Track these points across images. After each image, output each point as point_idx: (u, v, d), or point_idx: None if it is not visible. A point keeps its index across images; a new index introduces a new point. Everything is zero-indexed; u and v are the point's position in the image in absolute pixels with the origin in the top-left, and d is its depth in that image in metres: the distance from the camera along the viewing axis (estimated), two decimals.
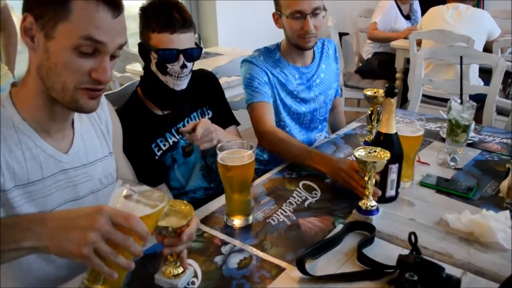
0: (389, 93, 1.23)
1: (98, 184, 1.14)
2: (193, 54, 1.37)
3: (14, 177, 0.96)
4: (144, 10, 1.36)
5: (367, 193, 1.19)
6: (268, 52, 1.75)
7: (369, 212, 1.18)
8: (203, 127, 1.28)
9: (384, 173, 1.23)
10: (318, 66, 1.82)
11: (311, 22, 1.60)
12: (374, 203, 1.19)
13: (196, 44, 1.39)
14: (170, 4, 1.34)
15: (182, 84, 1.40)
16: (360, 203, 1.20)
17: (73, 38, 0.89)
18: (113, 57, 0.97)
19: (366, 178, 1.16)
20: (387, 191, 1.27)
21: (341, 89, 2.32)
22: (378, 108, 1.64)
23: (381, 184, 1.24)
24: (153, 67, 1.37)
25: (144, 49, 1.38)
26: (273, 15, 1.71)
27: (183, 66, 1.36)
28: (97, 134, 1.17)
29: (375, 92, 1.62)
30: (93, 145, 1.14)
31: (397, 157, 1.24)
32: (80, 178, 1.09)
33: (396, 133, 1.26)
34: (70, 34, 0.89)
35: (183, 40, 1.34)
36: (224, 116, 1.62)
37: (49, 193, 1.02)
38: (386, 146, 1.22)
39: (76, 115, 1.10)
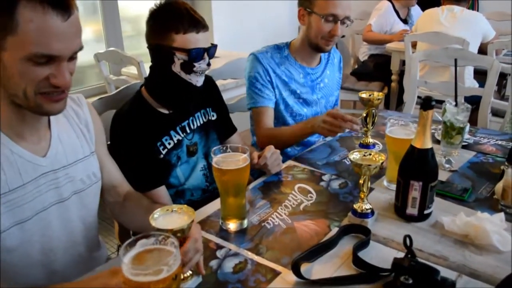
0: (426, 106, 1.13)
1: (80, 184, 1.14)
2: (213, 51, 1.41)
3: None
4: (159, 13, 1.36)
5: (362, 196, 1.19)
6: (277, 48, 1.82)
7: (364, 215, 1.18)
8: (270, 151, 1.45)
9: (405, 189, 1.18)
10: (323, 71, 1.90)
11: (340, 28, 1.68)
12: (369, 206, 1.19)
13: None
14: (186, 6, 1.35)
15: (202, 80, 1.43)
16: (355, 206, 1.20)
17: (24, 51, 0.88)
18: (71, 58, 0.96)
19: (361, 181, 1.16)
20: (408, 208, 1.19)
21: None
22: (373, 111, 1.64)
23: (402, 200, 1.20)
24: (176, 68, 1.36)
25: (165, 51, 1.35)
26: (299, 10, 1.76)
27: (208, 64, 1.39)
28: (76, 133, 1.15)
29: (370, 95, 1.62)
30: (72, 146, 1.13)
31: (423, 174, 1.16)
32: (62, 180, 1.09)
33: (431, 149, 1.17)
34: (20, 47, 0.88)
35: (206, 39, 1.37)
36: (226, 121, 1.68)
37: (31, 198, 1.02)
38: (419, 162, 1.17)
39: (52, 116, 1.09)
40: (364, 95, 1.62)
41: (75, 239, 1.15)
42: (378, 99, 1.59)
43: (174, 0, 1.37)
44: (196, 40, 1.34)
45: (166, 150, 1.45)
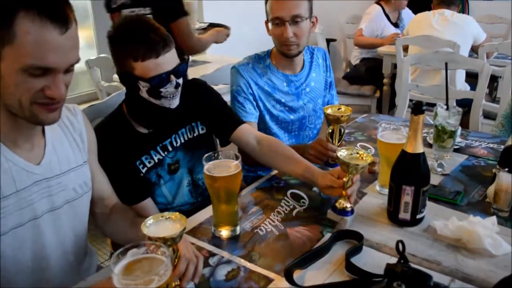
0: (416, 111, 1.12)
1: (73, 193, 1.13)
2: (182, 70, 1.31)
3: None
4: (115, 38, 1.29)
5: (344, 193, 1.19)
6: (258, 59, 1.78)
7: (344, 212, 1.19)
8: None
9: (397, 194, 1.18)
10: (308, 75, 1.83)
11: (290, 30, 1.61)
12: (349, 204, 1.21)
13: (181, 58, 1.33)
14: (143, 26, 1.26)
15: (176, 102, 1.34)
16: (336, 203, 1.21)
17: (20, 62, 0.88)
18: (68, 70, 0.96)
19: (345, 179, 1.16)
20: (400, 213, 1.19)
21: None
22: (341, 128, 1.49)
23: (395, 204, 1.20)
24: (144, 94, 1.28)
25: (129, 79, 1.28)
26: (265, 23, 1.73)
27: (177, 86, 1.30)
28: (69, 142, 1.15)
29: (339, 109, 1.47)
30: (65, 154, 1.13)
31: (415, 179, 1.16)
32: (55, 189, 1.09)
33: (423, 153, 1.16)
34: (17, 58, 0.88)
35: (169, 60, 1.26)
36: (228, 120, 1.54)
37: (25, 205, 1.02)
38: (411, 166, 1.16)
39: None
40: (329, 110, 1.46)
41: (66, 248, 1.15)
42: (348, 115, 1.45)
43: (133, 18, 1.31)
44: (156, 65, 1.23)
45: (146, 168, 1.40)
